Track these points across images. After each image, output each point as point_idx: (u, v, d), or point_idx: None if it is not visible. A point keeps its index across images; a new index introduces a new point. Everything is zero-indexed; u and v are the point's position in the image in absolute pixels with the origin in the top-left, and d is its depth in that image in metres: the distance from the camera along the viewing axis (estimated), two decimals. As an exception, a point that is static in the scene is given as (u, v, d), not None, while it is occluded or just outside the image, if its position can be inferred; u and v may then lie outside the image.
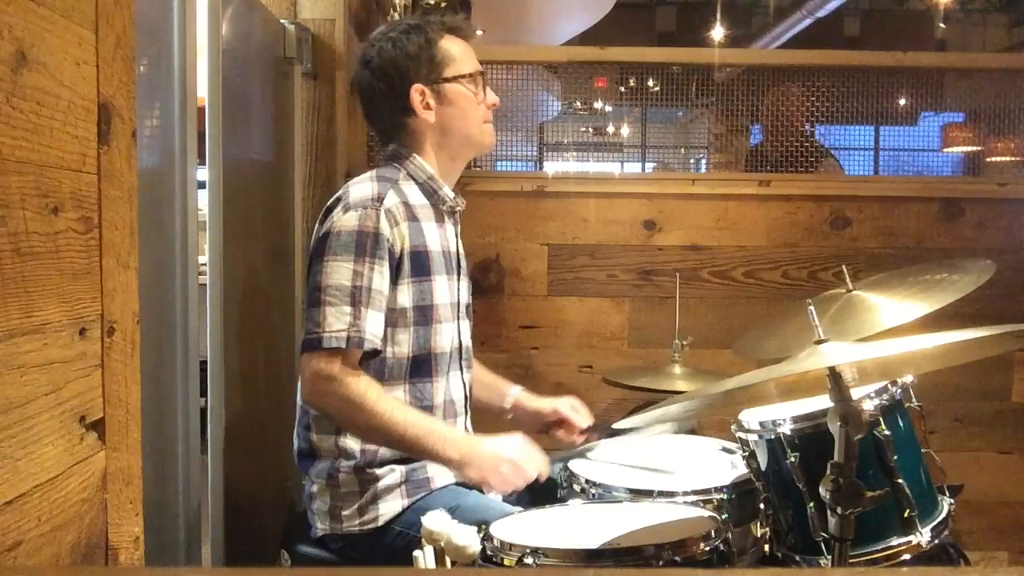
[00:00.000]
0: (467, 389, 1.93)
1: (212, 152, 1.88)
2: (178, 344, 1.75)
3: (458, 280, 1.92)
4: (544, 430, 2.06)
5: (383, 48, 1.86)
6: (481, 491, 1.86)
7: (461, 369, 1.92)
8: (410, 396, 1.79)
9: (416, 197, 1.84)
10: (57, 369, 0.97)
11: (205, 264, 1.89)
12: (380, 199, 1.75)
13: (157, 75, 1.68)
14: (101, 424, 1.06)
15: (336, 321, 1.68)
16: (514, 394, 2.08)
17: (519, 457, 1.73)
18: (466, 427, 1.93)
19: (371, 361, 1.76)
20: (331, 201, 1.80)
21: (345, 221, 1.73)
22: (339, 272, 1.70)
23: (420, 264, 1.79)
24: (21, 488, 0.91)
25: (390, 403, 1.72)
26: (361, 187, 1.79)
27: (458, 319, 1.90)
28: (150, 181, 1.66)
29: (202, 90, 1.82)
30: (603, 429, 2.01)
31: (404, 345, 1.77)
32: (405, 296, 1.77)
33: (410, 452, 1.76)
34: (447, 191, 1.89)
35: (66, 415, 0.99)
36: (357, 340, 1.69)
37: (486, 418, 2.05)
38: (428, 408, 1.80)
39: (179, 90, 1.71)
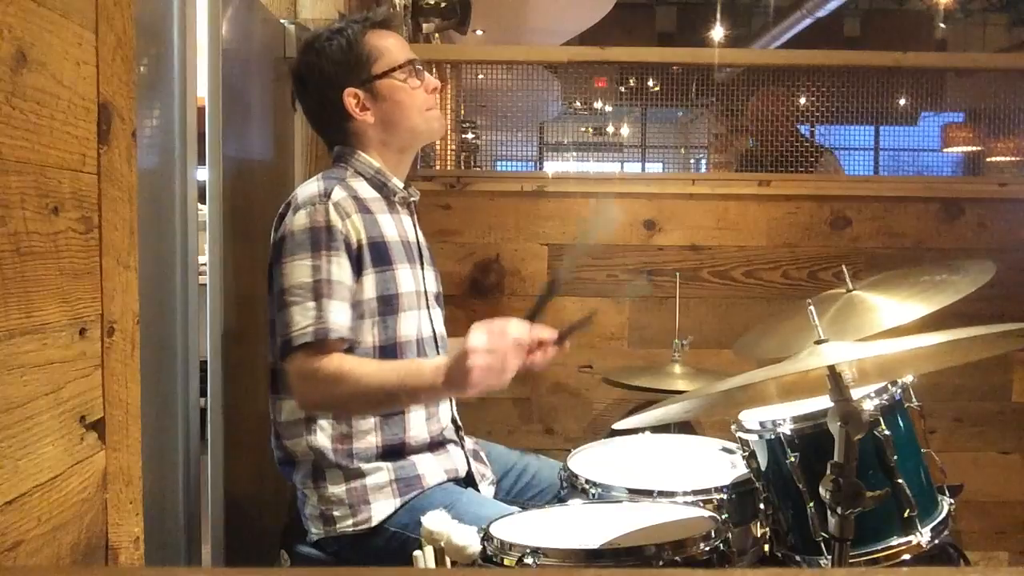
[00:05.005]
0: None
1: (212, 152, 1.88)
2: (178, 344, 1.75)
3: (422, 269, 1.91)
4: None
5: (309, 60, 1.87)
6: (477, 488, 1.86)
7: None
8: None
9: (366, 191, 1.85)
10: (57, 369, 0.97)
11: (205, 264, 1.89)
12: (327, 194, 1.75)
13: (157, 75, 1.68)
14: (101, 424, 1.06)
15: (302, 319, 1.68)
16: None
17: (492, 340, 1.56)
18: (452, 410, 1.92)
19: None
20: (282, 207, 1.80)
21: (296, 221, 1.73)
22: (298, 271, 1.71)
23: (380, 254, 1.79)
24: (21, 488, 0.91)
25: (366, 364, 1.70)
26: (308, 187, 1.79)
27: (427, 307, 1.90)
28: (150, 181, 1.66)
29: (202, 90, 1.82)
30: (578, 326, 1.76)
31: (369, 336, 1.77)
32: (370, 287, 1.77)
33: (402, 402, 1.75)
34: (396, 182, 1.89)
35: (66, 415, 0.99)
36: (323, 332, 1.68)
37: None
38: None
39: (179, 90, 1.71)
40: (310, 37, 1.92)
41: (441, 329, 1.96)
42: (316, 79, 1.86)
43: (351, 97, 1.84)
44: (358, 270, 1.75)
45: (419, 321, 1.86)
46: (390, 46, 1.87)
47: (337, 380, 1.67)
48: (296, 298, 1.69)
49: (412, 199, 1.93)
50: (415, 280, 1.86)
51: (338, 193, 1.76)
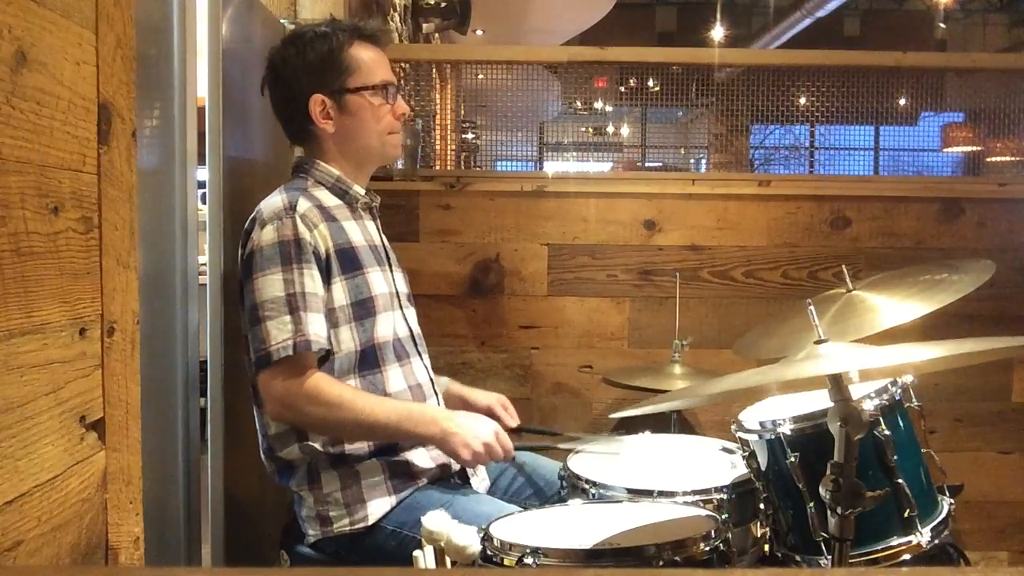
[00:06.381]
0: (430, 372, 1.95)
1: (212, 152, 1.88)
2: (178, 344, 1.74)
3: (391, 271, 1.93)
4: None
5: (286, 54, 1.86)
6: (468, 482, 1.86)
7: (419, 354, 1.93)
8: (362, 389, 1.79)
9: (329, 199, 1.85)
10: (57, 369, 0.97)
11: (205, 264, 1.89)
12: (292, 207, 1.76)
13: (157, 75, 1.68)
14: (101, 424, 1.06)
15: (279, 332, 1.69)
16: (444, 383, 2.09)
17: (492, 440, 1.75)
18: (441, 406, 1.93)
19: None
20: (247, 223, 1.81)
21: (264, 236, 1.74)
22: (270, 285, 1.71)
23: (349, 261, 1.80)
24: (21, 488, 0.91)
25: (367, 397, 1.74)
26: (272, 201, 1.80)
27: (401, 308, 1.92)
28: (150, 181, 1.66)
29: (202, 90, 1.82)
30: (527, 432, 2.01)
31: (348, 341, 1.78)
32: (340, 294, 1.77)
33: (394, 439, 1.77)
34: (357, 189, 1.90)
35: (66, 415, 0.99)
36: (304, 344, 1.69)
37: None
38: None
39: (179, 90, 1.71)
40: (295, 32, 1.92)
41: (416, 328, 1.97)
42: (288, 75, 1.86)
43: (317, 104, 1.84)
44: (328, 279, 1.76)
45: (394, 322, 1.87)
46: (370, 62, 1.86)
47: (338, 407, 1.70)
48: (271, 312, 1.70)
49: (374, 204, 1.94)
50: (386, 282, 1.87)
51: (303, 204, 1.77)
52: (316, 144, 1.89)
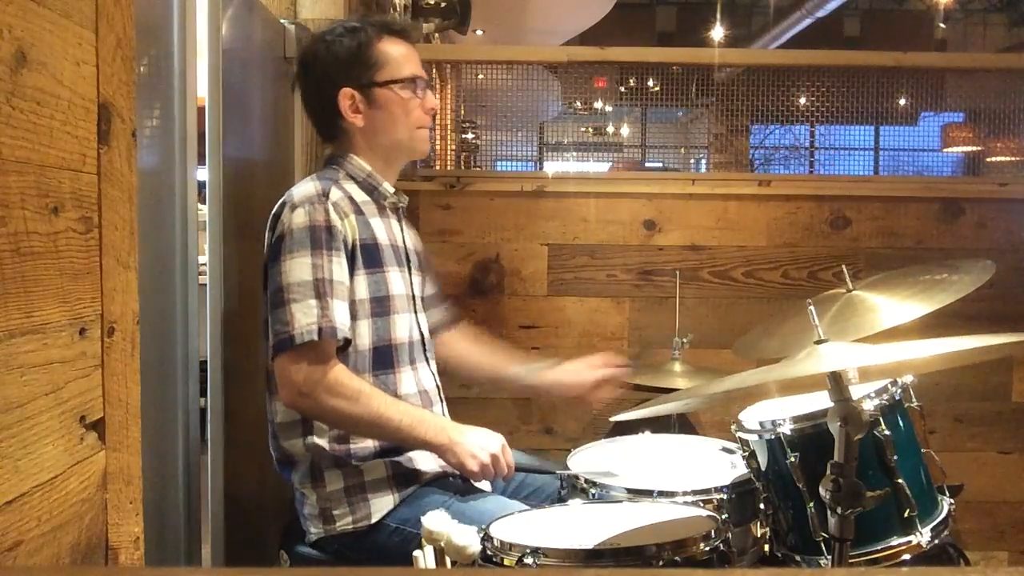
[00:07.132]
0: (437, 379, 1.95)
1: (212, 152, 1.88)
2: (178, 344, 1.75)
3: (410, 273, 1.93)
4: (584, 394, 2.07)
5: (317, 50, 1.88)
6: (466, 480, 1.87)
7: (427, 360, 1.93)
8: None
9: (358, 194, 1.86)
10: (57, 369, 0.97)
11: (205, 264, 1.89)
12: (325, 194, 1.76)
13: (157, 75, 1.68)
14: (101, 424, 1.06)
15: (304, 316, 1.68)
16: (533, 374, 2.08)
17: (499, 453, 1.76)
18: (444, 414, 1.94)
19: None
20: (276, 207, 1.81)
21: (295, 219, 1.73)
22: (298, 269, 1.70)
23: (371, 256, 1.80)
24: (21, 488, 0.91)
25: (382, 396, 1.74)
26: (304, 187, 1.80)
27: (415, 311, 1.92)
28: (150, 181, 1.66)
29: (202, 90, 1.82)
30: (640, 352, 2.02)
31: (365, 337, 1.78)
32: (362, 287, 1.78)
33: (402, 442, 1.77)
34: (387, 187, 1.90)
35: (66, 415, 0.99)
36: (330, 330, 1.69)
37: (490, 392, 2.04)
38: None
39: (179, 90, 1.71)
40: (324, 29, 1.94)
41: (428, 333, 1.97)
42: (318, 71, 1.87)
43: (346, 98, 1.84)
44: (351, 270, 1.76)
45: (411, 324, 1.87)
46: (399, 57, 1.88)
47: (355, 401, 1.70)
48: (297, 295, 1.69)
49: (401, 204, 1.94)
50: (404, 283, 1.88)
51: (335, 193, 1.78)
52: (346, 140, 1.89)
